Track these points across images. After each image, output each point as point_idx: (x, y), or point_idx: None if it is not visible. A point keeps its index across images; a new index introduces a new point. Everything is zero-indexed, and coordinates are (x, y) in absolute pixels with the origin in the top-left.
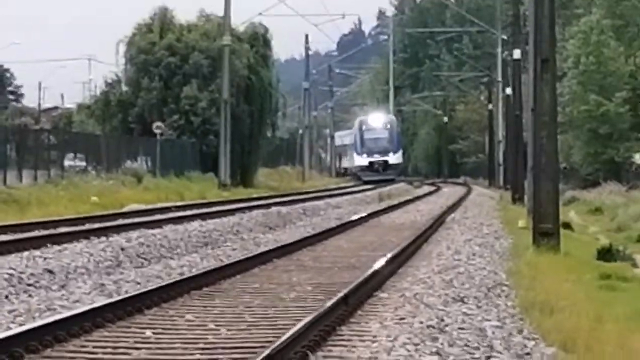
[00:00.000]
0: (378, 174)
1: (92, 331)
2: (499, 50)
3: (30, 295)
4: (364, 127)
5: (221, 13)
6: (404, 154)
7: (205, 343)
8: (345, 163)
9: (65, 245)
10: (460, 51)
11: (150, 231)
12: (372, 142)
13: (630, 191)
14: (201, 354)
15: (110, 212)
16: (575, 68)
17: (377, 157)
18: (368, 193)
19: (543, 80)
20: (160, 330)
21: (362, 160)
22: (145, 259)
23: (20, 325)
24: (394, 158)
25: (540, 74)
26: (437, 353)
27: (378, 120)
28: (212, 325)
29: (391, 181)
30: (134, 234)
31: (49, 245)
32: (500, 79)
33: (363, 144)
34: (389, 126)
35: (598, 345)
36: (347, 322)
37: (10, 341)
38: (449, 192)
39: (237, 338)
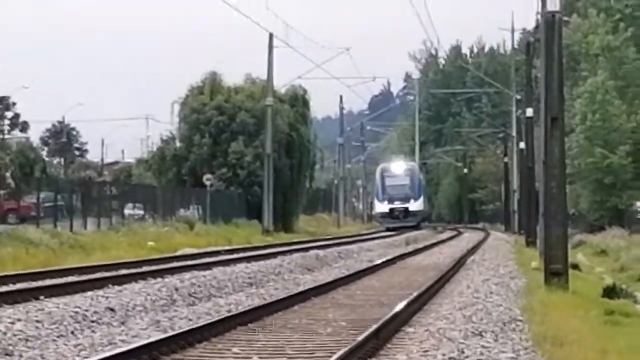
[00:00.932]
0: (399, 221)
1: None
2: (514, 109)
3: (93, 331)
4: (385, 174)
5: (265, 77)
6: (428, 201)
7: None
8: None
9: (125, 285)
10: (479, 110)
11: (201, 272)
12: (393, 189)
13: (632, 235)
14: None
15: (165, 255)
16: (582, 124)
17: (397, 204)
18: (396, 238)
19: (553, 136)
20: None
21: (383, 207)
22: (196, 297)
23: (85, 358)
24: (414, 205)
25: (551, 131)
26: None
27: (399, 168)
28: (256, 358)
29: (413, 228)
30: (186, 275)
31: (110, 285)
32: (514, 134)
33: (384, 190)
34: (410, 173)
35: None
36: (377, 354)
37: None
38: (469, 237)
39: None
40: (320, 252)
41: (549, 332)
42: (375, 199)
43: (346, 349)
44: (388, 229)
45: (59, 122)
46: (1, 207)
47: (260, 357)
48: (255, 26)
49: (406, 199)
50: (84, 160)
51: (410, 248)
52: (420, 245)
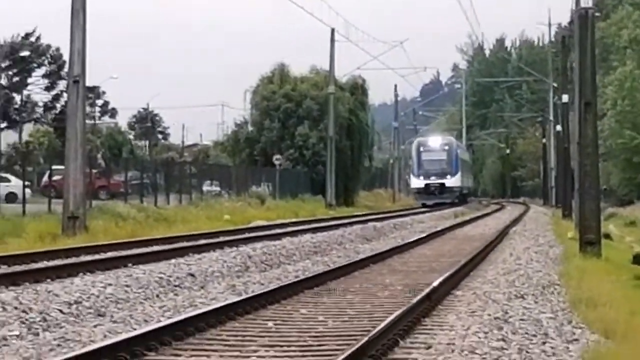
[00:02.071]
0: (434, 197)
1: (226, 323)
2: (551, 95)
3: (176, 294)
4: (421, 149)
5: (327, 67)
6: (474, 178)
7: (316, 332)
8: None
9: (203, 254)
10: (520, 96)
11: (272, 242)
12: (429, 163)
13: None
14: (312, 340)
15: (239, 227)
16: (613, 109)
17: (433, 180)
18: (446, 211)
19: (586, 120)
20: (280, 322)
21: (418, 183)
22: (267, 264)
23: (169, 318)
24: (451, 181)
25: (584, 115)
26: (503, 339)
27: (436, 142)
28: (321, 318)
29: (451, 204)
30: (258, 244)
31: (190, 254)
32: (552, 118)
33: (420, 166)
34: (447, 148)
35: (632, 334)
36: (430, 314)
37: (161, 331)
38: (511, 210)
39: (341, 328)
40: (378, 224)
41: (584, 295)
42: (411, 174)
43: (402, 309)
44: (424, 205)
45: (144, 109)
46: (93, 185)
47: (325, 317)
48: (319, 22)
49: (443, 175)
50: (166, 142)
51: (458, 220)
52: (467, 218)
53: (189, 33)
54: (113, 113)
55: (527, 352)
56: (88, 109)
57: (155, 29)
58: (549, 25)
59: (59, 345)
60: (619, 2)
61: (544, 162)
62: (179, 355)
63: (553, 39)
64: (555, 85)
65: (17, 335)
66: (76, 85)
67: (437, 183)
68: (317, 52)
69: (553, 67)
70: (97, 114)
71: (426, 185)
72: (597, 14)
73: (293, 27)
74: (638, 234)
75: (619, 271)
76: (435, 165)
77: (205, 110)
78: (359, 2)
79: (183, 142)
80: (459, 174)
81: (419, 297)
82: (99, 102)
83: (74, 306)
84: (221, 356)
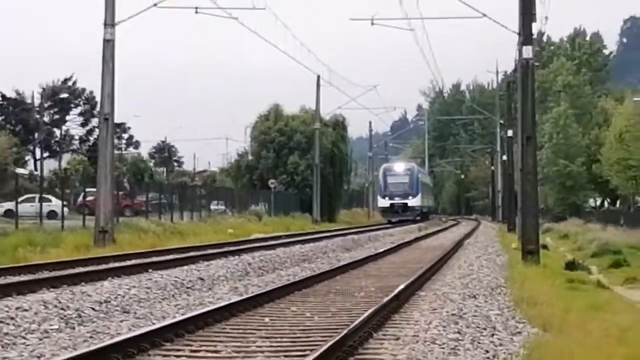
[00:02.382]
0: (398, 215)
1: (229, 318)
2: (498, 130)
3: (188, 295)
4: (387, 173)
5: (314, 107)
6: (435, 198)
7: (304, 326)
8: None
9: (211, 261)
10: (472, 131)
11: (268, 252)
12: (393, 186)
13: (586, 224)
14: (301, 333)
15: (241, 239)
16: (549, 142)
17: (397, 200)
18: (411, 226)
19: (527, 151)
20: (274, 318)
21: (384, 202)
22: (264, 270)
23: (182, 314)
24: (413, 201)
25: (526, 147)
26: (458, 332)
27: (399, 167)
28: (308, 314)
29: (412, 221)
30: (256, 253)
31: (200, 261)
32: (499, 149)
33: (386, 188)
34: (409, 172)
35: (566, 328)
36: (398, 312)
37: (176, 325)
38: (465, 225)
39: (325, 322)
40: (355, 237)
41: (525, 295)
42: (378, 195)
43: (375, 307)
44: (389, 222)
45: (162, 141)
46: (120, 204)
47: (311, 313)
48: (307, 70)
49: (405, 196)
50: (180, 169)
51: (422, 234)
52: (430, 231)
53: (203, 77)
54: (136, 145)
55: (478, 342)
56: (116, 141)
57: (180, 75)
58: (497, 72)
59: (91, 337)
60: (553, 54)
61: (493, 186)
62: (191, 345)
63: (500, 84)
64: (502, 122)
65: (57, 329)
66: (106, 122)
67: (401, 203)
68: (307, 93)
69: (500, 107)
70: (124, 146)
71: (391, 204)
72: (536, 63)
73: (288, 72)
74: (570, 245)
75: (554, 276)
76: (399, 188)
77: (212, 142)
78: (341, 53)
79: (194, 168)
80: (420, 195)
81: (389, 297)
82: (125, 135)
83: (104, 305)
84: (226, 346)
